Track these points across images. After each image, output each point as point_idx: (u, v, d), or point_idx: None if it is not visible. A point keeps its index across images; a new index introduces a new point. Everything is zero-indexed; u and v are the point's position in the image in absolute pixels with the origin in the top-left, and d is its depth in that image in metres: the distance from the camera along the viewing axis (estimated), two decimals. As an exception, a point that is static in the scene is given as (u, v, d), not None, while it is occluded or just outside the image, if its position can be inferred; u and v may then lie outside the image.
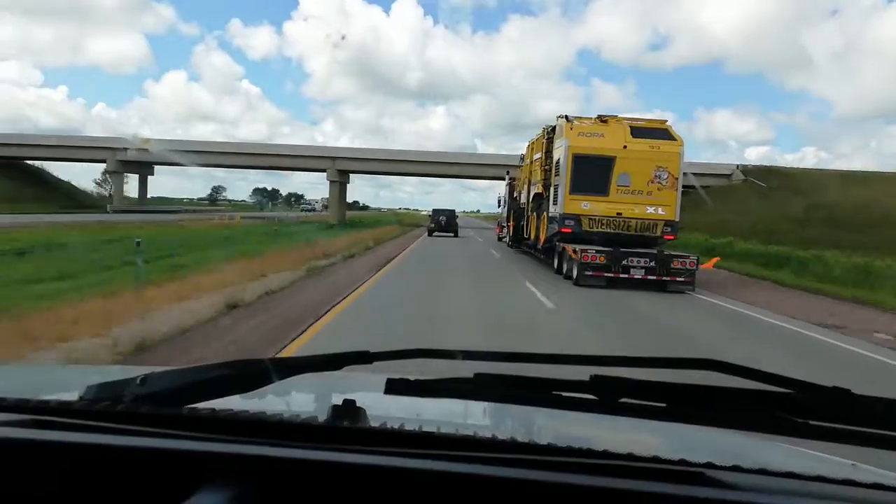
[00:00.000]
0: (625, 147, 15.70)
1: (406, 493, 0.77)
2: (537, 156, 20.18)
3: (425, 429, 0.90)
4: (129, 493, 0.79)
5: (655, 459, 0.82)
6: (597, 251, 14.18)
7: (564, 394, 0.89)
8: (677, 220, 16.01)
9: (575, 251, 14.38)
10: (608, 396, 0.87)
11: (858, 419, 0.83)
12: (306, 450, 0.80)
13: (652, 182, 15.77)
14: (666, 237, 16.04)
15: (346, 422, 0.90)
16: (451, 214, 40.76)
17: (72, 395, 0.93)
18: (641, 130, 16.08)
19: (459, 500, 0.77)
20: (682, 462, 0.83)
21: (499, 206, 35.73)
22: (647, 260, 14.10)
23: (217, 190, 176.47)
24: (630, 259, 14.10)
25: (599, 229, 15.70)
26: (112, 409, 0.86)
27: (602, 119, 16.71)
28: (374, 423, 0.91)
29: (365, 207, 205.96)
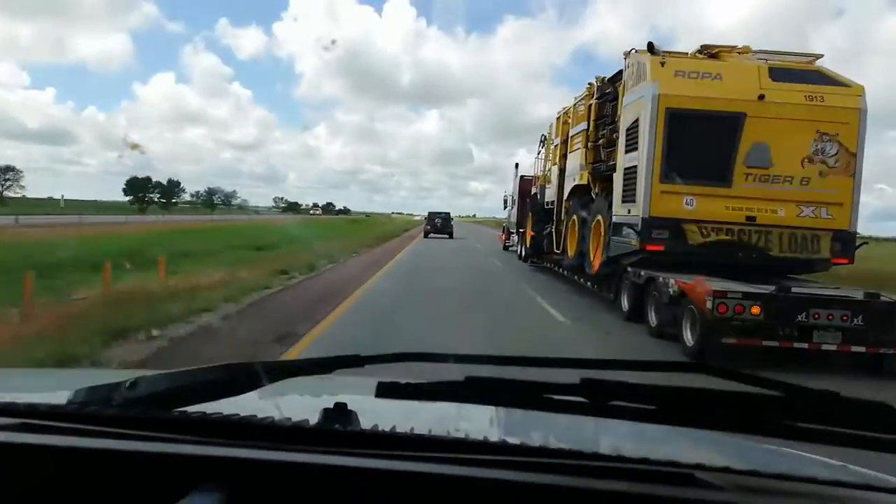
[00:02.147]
0: (761, 97, 8.60)
1: (398, 495, 0.77)
2: (579, 128, 13.09)
3: (417, 431, 0.91)
4: (119, 497, 0.78)
5: (645, 461, 0.82)
6: (745, 295, 6.96)
7: (555, 397, 0.89)
8: (855, 229, 8.94)
9: (698, 295, 7.15)
10: (598, 399, 0.88)
11: (846, 421, 0.84)
12: (297, 453, 0.79)
13: (810, 160, 8.68)
14: (835, 261, 8.94)
15: (337, 425, 0.90)
16: (446, 217, 42.20)
17: (62, 399, 0.92)
18: (788, 72, 8.99)
19: (451, 503, 0.77)
20: (672, 464, 0.82)
21: (504, 207, 28.62)
22: (849, 314, 6.90)
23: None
24: (814, 312, 6.90)
25: (713, 247, 8.64)
26: (102, 412, 0.86)
27: (709, 52, 9.61)
28: (366, 426, 0.90)
29: (345, 211, 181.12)
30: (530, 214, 18.42)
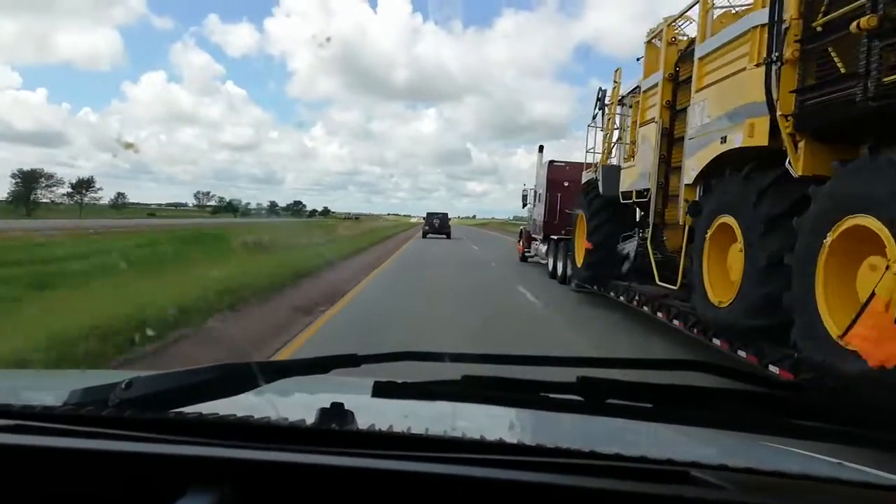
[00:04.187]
0: None
1: (395, 495, 0.76)
2: (734, 31, 6.24)
3: (414, 431, 0.90)
4: (115, 498, 0.78)
5: (642, 459, 0.82)
6: None
7: (552, 395, 0.88)
8: None
9: None
10: (595, 397, 0.87)
11: (843, 418, 0.85)
12: (294, 453, 0.78)
13: None
14: None
15: (334, 425, 0.89)
16: (443, 217, 42.29)
17: (57, 400, 0.93)
18: None
19: (448, 502, 0.76)
20: (668, 462, 0.82)
21: (524, 205, 21.78)
22: None
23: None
24: None
25: None
26: (97, 413, 0.86)
27: None
28: (363, 426, 0.90)
29: (325, 212, 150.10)
30: (583, 216, 11.48)
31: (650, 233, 8.45)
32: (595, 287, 11.27)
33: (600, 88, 11.92)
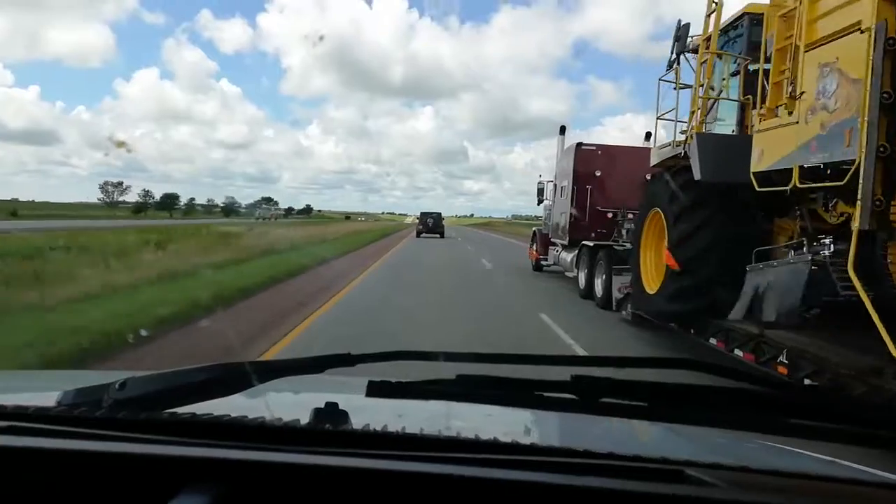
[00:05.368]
0: None
1: (390, 495, 0.76)
2: None
3: (408, 430, 0.89)
4: (108, 499, 0.77)
5: (636, 458, 0.81)
6: None
7: (546, 394, 0.88)
8: None
9: None
10: (589, 396, 0.87)
11: (835, 416, 0.86)
12: (288, 453, 0.78)
13: None
14: None
15: (328, 425, 0.88)
16: (437, 217, 44.14)
17: (50, 401, 0.92)
18: None
19: (443, 502, 0.76)
20: (662, 460, 0.81)
21: (539, 201, 17.67)
22: None
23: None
24: None
25: None
26: (90, 414, 0.85)
27: None
28: (357, 426, 0.89)
29: (307, 210, 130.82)
30: (660, 215, 7.37)
31: (853, 248, 4.35)
32: (678, 326, 7.19)
33: (679, 21, 7.84)
